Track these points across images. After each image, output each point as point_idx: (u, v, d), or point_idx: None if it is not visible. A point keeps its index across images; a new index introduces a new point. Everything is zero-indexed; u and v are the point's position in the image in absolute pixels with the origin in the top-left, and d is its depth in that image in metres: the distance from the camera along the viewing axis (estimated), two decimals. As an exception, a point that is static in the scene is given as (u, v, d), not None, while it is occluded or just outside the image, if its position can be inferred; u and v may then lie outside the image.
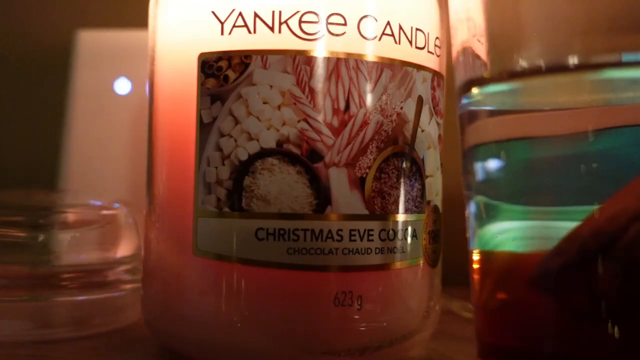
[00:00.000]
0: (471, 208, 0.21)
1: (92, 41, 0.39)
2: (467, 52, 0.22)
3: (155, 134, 0.24)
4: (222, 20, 0.22)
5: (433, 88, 0.24)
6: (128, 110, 0.38)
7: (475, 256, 0.21)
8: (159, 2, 0.25)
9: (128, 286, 0.26)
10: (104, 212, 0.27)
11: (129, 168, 0.38)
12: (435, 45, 0.24)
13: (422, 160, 0.24)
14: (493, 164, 0.20)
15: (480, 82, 0.19)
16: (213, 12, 0.22)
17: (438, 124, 0.25)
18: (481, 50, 0.22)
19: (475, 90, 0.20)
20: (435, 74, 0.24)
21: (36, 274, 0.24)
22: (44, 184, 0.38)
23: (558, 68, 0.19)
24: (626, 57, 0.17)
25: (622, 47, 0.18)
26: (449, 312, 0.32)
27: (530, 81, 0.19)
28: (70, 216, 0.27)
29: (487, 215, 0.20)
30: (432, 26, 0.24)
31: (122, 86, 0.38)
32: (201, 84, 0.22)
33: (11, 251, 0.25)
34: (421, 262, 0.24)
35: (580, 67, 0.18)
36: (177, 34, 0.24)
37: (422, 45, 0.24)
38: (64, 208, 0.28)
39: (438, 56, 0.25)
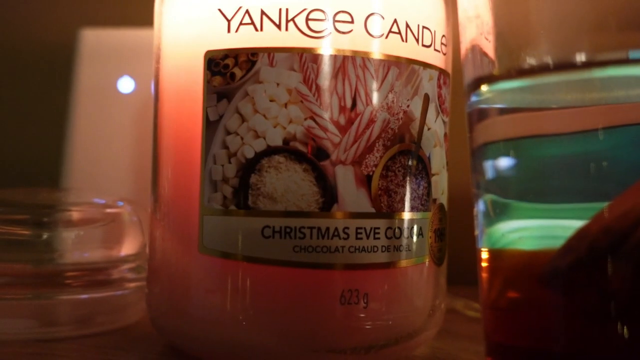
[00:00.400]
0: (480, 206, 0.21)
1: (95, 40, 0.39)
2: (476, 50, 0.22)
3: (160, 132, 0.24)
4: (229, 18, 0.22)
5: (439, 86, 0.24)
6: (131, 108, 0.38)
7: (484, 254, 0.21)
8: (164, 0, 0.25)
9: (132, 284, 0.26)
10: (108, 210, 0.27)
11: (132, 166, 0.38)
12: (442, 44, 0.24)
13: (428, 158, 0.24)
14: (502, 162, 0.20)
15: (489, 79, 0.19)
16: (220, 10, 0.22)
17: (444, 122, 0.25)
18: (489, 48, 0.21)
19: (484, 88, 0.20)
20: (442, 72, 0.24)
21: (40, 272, 0.24)
22: (47, 182, 0.38)
23: (566, 66, 0.19)
24: (633, 54, 0.17)
25: (631, 44, 0.18)
26: (453, 310, 0.32)
27: (538, 79, 0.19)
28: (74, 214, 0.26)
29: (496, 213, 0.20)
30: (438, 24, 0.24)
31: (126, 85, 0.38)
32: (207, 82, 0.22)
33: (15, 249, 0.24)
34: (427, 260, 0.23)
35: (589, 65, 0.18)
36: (183, 31, 0.23)
37: (428, 43, 0.24)
38: (68, 206, 0.27)
39: (444, 54, 0.25)
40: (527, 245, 0.20)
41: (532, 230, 0.19)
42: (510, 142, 0.19)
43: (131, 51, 0.39)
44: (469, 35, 0.22)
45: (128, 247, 0.27)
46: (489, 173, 0.20)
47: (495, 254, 0.20)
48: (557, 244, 0.18)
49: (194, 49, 0.23)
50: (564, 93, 0.18)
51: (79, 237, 0.26)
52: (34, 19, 0.42)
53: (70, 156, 0.38)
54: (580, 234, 0.16)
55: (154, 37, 0.25)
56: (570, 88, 0.18)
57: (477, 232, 0.22)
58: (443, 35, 0.25)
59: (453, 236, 0.28)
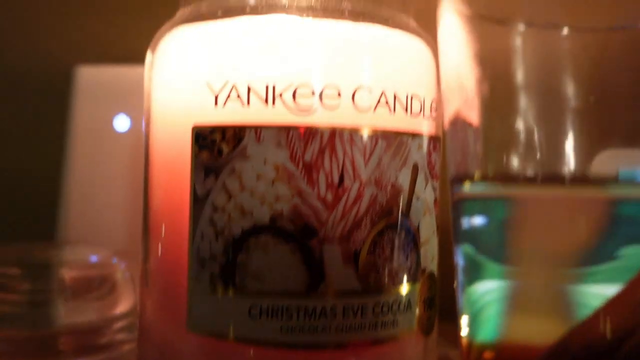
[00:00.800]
0: (459, 261, 0.21)
1: (91, 77, 0.39)
2: (459, 120, 0.22)
3: (150, 200, 0.24)
4: (216, 92, 0.22)
5: (429, 153, 0.24)
6: (127, 147, 0.38)
7: (464, 319, 0.21)
8: (154, 65, 0.25)
9: (126, 346, 0.26)
10: (102, 270, 0.27)
11: (129, 205, 0.38)
12: (432, 109, 0.24)
13: (418, 228, 0.23)
14: (479, 220, 0.20)
15: (472, 178, 0.19)
16: (207, 84, 0.22)
17: (434, 188, 0.25)
18: (474, 116, 0.21)
19: (467, 185, 0.19)
20: (432, 138, 0.24)
21: (34, 337, 0.24)
22: (43, 225, 0.38)
23: (551, 178, 0.19)
24: (623, 174, 0.17)
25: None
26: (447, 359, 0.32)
27: (522, 186, 0.19)
28: (69, 277, 0.27)
29: (474, 271, 0.20)
30: (428, 90, 0.24)
31: (122, 123, 0.38)
32: (195, 156, 0.22)
33: (9, 316, 0.25)
34: (415, 331, 0.23)
35: (574, 180, 0.18)
36: (171, 101, 0.23)
37: (417, 112, 0.23)
38: (63, 267, 0.28)
39: (434, 119, 0.25)
40: (500, 310, 0.20)
41: (504, 291, 0.19)
42: (489, 202, 0.19)
43: (127, 89, 0.39)
44: (452, 106, 0.22)
45: (122, 307, 0.27)
46: (467, 229, 0.20)
47: (473, 331, 0.20)
48: (528, 306, 0.18)
49: (182, 121, 0.23)
50: (548, 191, 0.18)
51: (73, 301, 0.26)
52: (28, 55, 0.42)
53: (67, 194, 0.38)
54: (561, 346, 0.16)
55: (144, 99, 0.25)
56: (555, 199, 0.18)
57: (457, 292, 0.22)
58: (433, 100, 0.24)
59: (447, 270, 0.28)
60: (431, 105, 0.24)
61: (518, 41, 0.20)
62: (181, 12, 0.25)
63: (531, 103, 0.21)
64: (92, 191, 0.38)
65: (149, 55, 0.25)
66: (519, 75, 0.21)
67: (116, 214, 0.38)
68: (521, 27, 0.20)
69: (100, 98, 0.38)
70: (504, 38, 0.21)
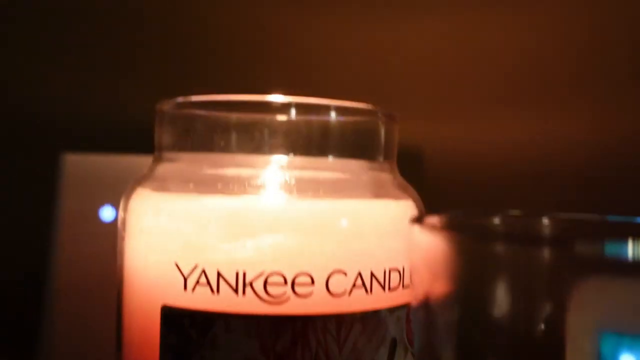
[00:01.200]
0: None
1: (78, 165, 0.38)
2: (426, 304, 0.21)
3: (121, 370, 0.24)
4: (185, 275, 0.21)
5: (408, 321, 0.23)
6: (114, 238, 0.37)
7: None
8: (125, 226, 0.24)
9: None
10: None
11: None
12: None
13: (395, 403, 0.23)
14: None
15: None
16: (176, 264, 0.22)
17: (414, 354, 0.24)
18: (440, 296, 0.21)
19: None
20: (410, 305, 0.23)
21: None
22: (25, 317, 0.37)
23: None
24: None
25: None
26: None
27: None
28: None
29: None
30: (406, 260, 0.23)
31: (108, 213, 0.37)
32: (164, 338, 0.22)
33: None
34: None
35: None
36: (142, 273, 0.23)
37: (396, 285, 0.23)
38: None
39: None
40: None
41: None
42: None
43: (114, 178, 0.38)
44: (419, 289, 0.21)
45: None
46: None
47: None
48: None
49: (152, 298, 0.22)
50: None
51: None
52: (14, 141, 0.42)
53: (52, 286, 0.37)
54: None
55: (117, 256, 0.24)
56: None
57: None
58: (414, 265, 0.23)
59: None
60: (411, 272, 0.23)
61: (490, 251, 0.19)
62: (152, 168, 0.24)
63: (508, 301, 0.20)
64: (77, 282, 0.37)
65: (121, 212, 0.24)
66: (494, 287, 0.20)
67: (102, 308, 0.37)
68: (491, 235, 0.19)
69: (87, 187, 0.38)
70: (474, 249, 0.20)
